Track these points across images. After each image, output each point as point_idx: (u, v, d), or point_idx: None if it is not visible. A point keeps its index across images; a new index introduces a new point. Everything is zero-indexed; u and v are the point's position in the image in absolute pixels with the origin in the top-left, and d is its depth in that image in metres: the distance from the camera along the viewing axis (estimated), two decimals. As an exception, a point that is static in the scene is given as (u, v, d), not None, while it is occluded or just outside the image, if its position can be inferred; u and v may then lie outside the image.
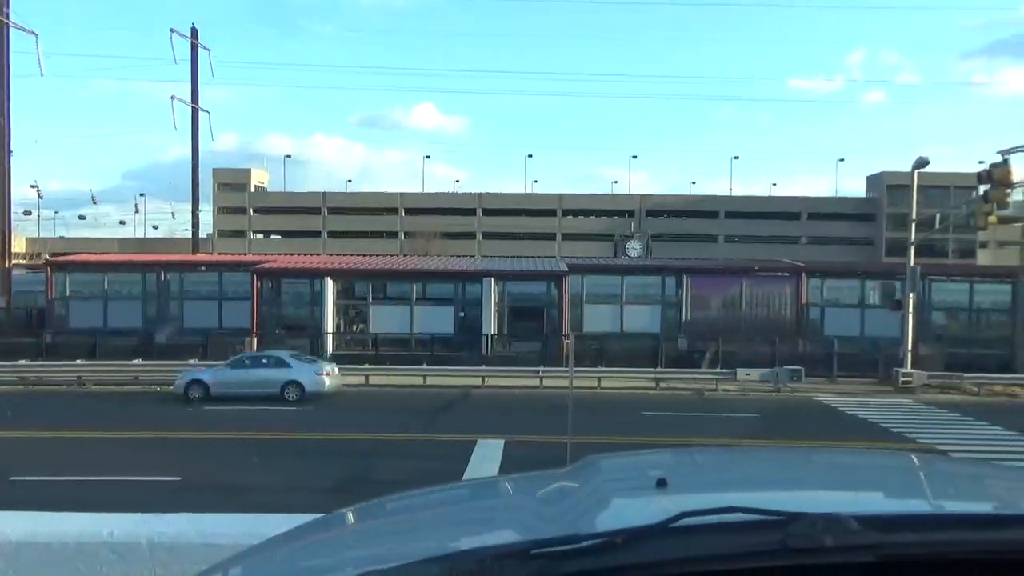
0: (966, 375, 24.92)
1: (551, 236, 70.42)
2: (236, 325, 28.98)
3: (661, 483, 1.61)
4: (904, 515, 1.29)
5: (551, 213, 72.17)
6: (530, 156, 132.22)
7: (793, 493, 1.70)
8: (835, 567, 1.09)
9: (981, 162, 23.89)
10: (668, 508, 1.22)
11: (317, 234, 72.35)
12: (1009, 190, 24.39)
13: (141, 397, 22.67)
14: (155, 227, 79.01)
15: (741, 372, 24.29)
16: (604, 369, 25.09)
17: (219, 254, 53.76)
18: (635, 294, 30.28)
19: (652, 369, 25.45)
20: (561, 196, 73.52)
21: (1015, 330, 28.12)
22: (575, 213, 73.32)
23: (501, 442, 15.46)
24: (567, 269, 29.64)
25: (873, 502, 1.61)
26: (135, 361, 25.56)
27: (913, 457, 2.01)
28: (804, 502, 1.19)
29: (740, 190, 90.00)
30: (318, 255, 48.94)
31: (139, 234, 77.08)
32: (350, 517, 1.89)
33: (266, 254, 42.56)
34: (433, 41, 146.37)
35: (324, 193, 74.89)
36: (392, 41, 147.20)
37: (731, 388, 24.17)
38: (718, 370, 24.89)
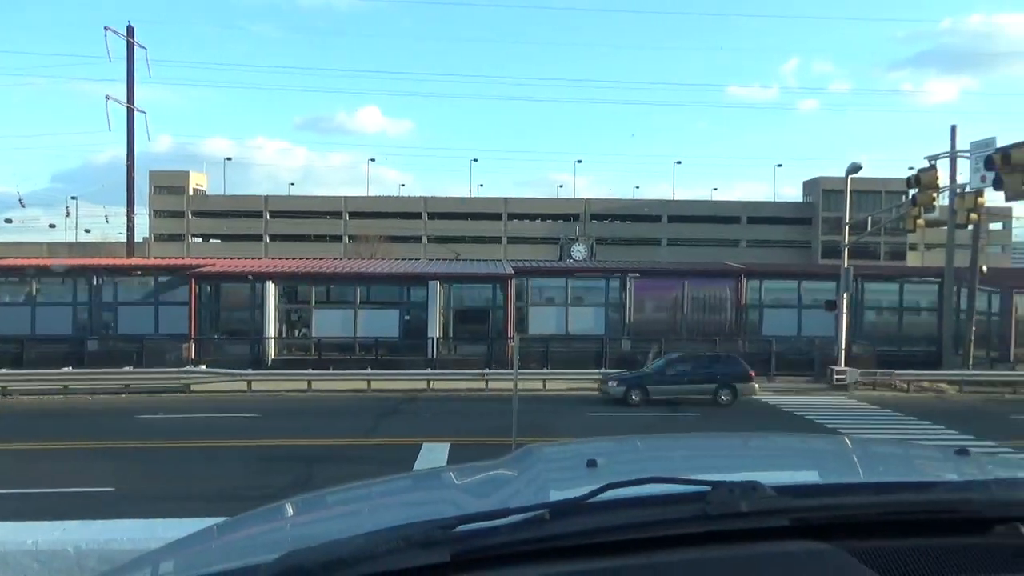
0: (896, 372, 25.88)
1: (497, 239, 70.58)
2: (173, 331, 28.20)
3: (591, 463, 1.63)
4: (814, 484, 1.34)
5: (497, 217, 72.34)
6: (475, 160, 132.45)
7: (714, 468, 1.75)
8: (752, 532, 1.12)
9: (910, 168, 24.89)
10: (596, 484, 1.24)
11: (259, 238, 70.97)
12: (936, 194, 25.47)
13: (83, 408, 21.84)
14: (87, 231, 76.23)
15: (683, 372, 24.68)
16: (549, 371, 25.26)
17: (155, 258, 52.22)
18: (580, 296, 30.57)
19: (597, 370, 25.68)
20: (507, 200, 73.78)
21: (941, 328, 29.33)
22: (520, 217, 73.64)
23: (447, 445, 15.45)
24: (513, 272, 29.72)
25: (787, 474, 1.68)
26: (65, 369, 24.61)
27: (823, 438, 2.11)
28: (723, 475, 1.23)
29: (682, 195, 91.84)
30: (259, 259, 48.00)
31: (70, 238, 74.25)
32: (287, 508, 1.87)
33: (205, 258, 41.48)
34: (376, 44, 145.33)
35: (266, 196, 73.53)
36: (334, 43, 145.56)
37: (674, 388, 24.55)
38: (661, 370, 25.23)
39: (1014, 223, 60.98)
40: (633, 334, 29.20)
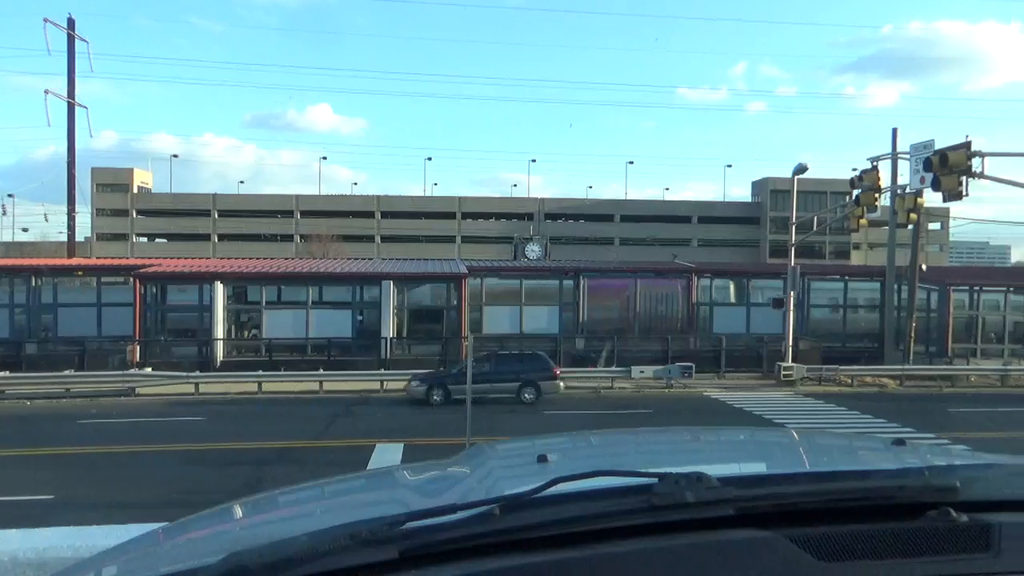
0: (841, 368, 26.59)
1: (451, 239, 70.43)
2: (117, 333, 27.40)
3: (542, 459, 1.64)
4: (757, 474, 1.37)
5: (451, 216, 72.16)
6: (429, 159, 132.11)
7: (662, 461, 1.78)
8: (698, 522, 1.14)
9: (854, 169, 25.58)
10: (545, 479, 1.24)
11: (206, 237, 69.49)
12: (878, 195, 26.27)
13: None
14: (24, 230, 73.65)
15: (636, 370, 25.01)
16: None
17: (98, 258, 50.65)
18: (534, 296, 30.67)
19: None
20: (460, 199, 73.65)
21: (883, 325, 30.26)
22: (474, 216, 73.60)
23: (400, 446, 15.34)
24: (467, 271, 29.67)
25: (733, 466, 1.72)
26: (2, 374, 23.70)
27: (769, 431, 2.18)
28: (671, 467, 1.25)
29: (635, 194, 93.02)
30: (207, 259, 46.96)
31: (7, 237, 71.63)
32: (235, 510, 1.83)
33: (150, 258, 40.42)
34: (327, 41, 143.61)
35: (214, 194, 72.02)
36: (283, 40, 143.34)
37: (626, 385, 24.85)
38: (614, 368, 25.53)
39: (951, 223, 63.19)
40: (587, 333, 29.44)
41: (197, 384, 23.62)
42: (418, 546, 1.12)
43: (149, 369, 24.62)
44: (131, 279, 28.00)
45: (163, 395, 23.05)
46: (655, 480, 1.19)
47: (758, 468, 1.74)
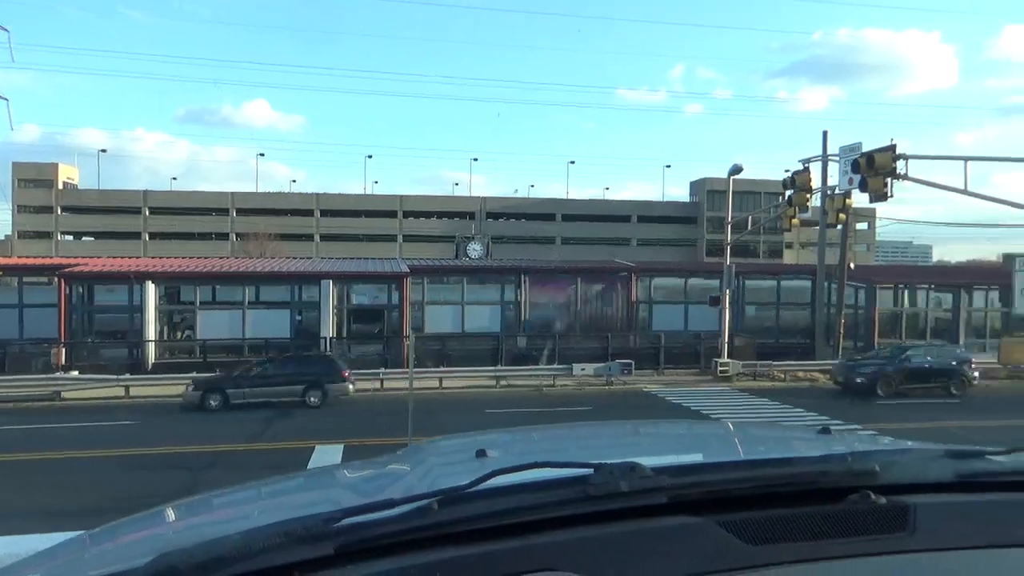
0: (774, 363, 27.40)
1: (392, 238, 69.82)
2: (41, 335, 26.26)
3: (481, 454, 1.65)
4: (689, 463, 1.42)
5: (392, 215, 71.53)
6: (370, 157, 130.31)
7: (600, 454, 1.81)
8: (632, 510, 1.17)
9: (787, 170, 26.36)
10: (484, 473, 1.25)
11: (137, 236, 67.25)
12: (809, 195, 27.13)
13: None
14: (-61, 227, 69.93)
15: (577, 367, 25.26)
16: (446, 369, 25.20)
17: (20, 257, 48.44)
18: (476, 295, 30.66)
19: (492, 367, 25.86)
20: (402, 198, 73.07)
21: (814, 322, 31.29)
22: (416, 215, 73.13)
23: (340, 447, 15.15)
24: (408, 270, 29.46)
25: (668, 457, 1.77)
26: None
27: (704, 424, 2.25)
28: (608, 459, 1.27)
29: (576, 194, 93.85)
30: (138, 258, 45.43)
31: (-81, 235, 67.92)
32: (167, 513, 1.78)
33: (77, 257, 38.82)
34: (263, 35, 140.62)
35: (145, 191, 69.72)
36: (218, 33, 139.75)
37: (568, 383, 25.06)
38: (555, 366, 25.73)
39: (877, 223, 65.75)
40: (529, 331, 29.59)
41: (127, 387, 22.83)
42: (355, 541, 1.11)
43: (76, 372, 23.67)
44: (56, 279, 26.86)
45: (91, 399, 22.20)
46: (591, 471, 1.21)
47: (691, 458, 1.80)
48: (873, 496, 1.25)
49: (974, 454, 1.50)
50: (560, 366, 25.65)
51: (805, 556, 1.15)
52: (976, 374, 24.01)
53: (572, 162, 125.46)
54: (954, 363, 23.97)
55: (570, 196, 79.57)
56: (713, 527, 1.16)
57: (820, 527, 1.20)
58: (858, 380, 23.29)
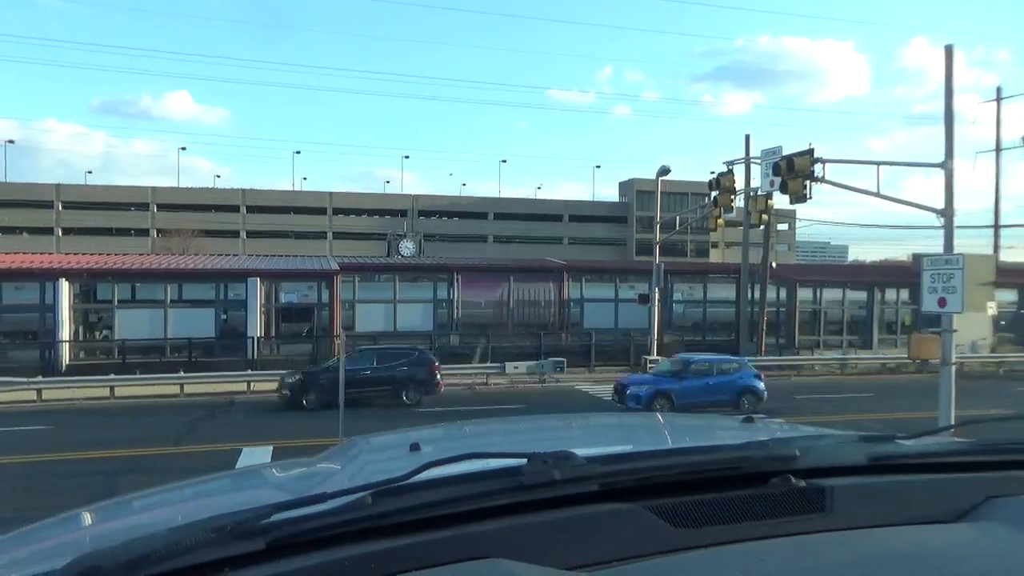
0: (701, 360, 28.07)
1: (322, 235, 68.60)
2: (-57, 336, 24.81)
3: (415, 447, 1.65)
4: (620, 452, 1.46)
5: (321, 212, 70.26)
6: (298, 152, 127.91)
7: (534, 445, 1.84)
8: (565, 498, 1.19)
9: (712, 172, 27.07)
10: (417, 465, 1.25)
11: (49, 231, 64.07)
12: (733, 196, 27.94)
13: None
14: None
15: (510, 366, 25.38)
16: (377, 368, 24.90)
17: (-81, 253, 45.46)
18: (408, 293, 30.44)
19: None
20: (331, 194, 71.85)
21: (738, 319, 32.27)
22: (347, 212, 72.03)
23: (269, 448, 14.82)
24: (338, 268, 29.01)
25: (598, 447, 1.81)
26: None
27: (636, 415, 2.31)
28: (539, 449, 1.29)
29: (508, 193, 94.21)
30: (50, 254, 43.25)
31: None
32: (87, 516, 1.72)
33: (-17, 253, 36.69)
34: (187, 25, 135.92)
35: (58, 185, 66.50)
36: (134, 21, 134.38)
37: (500, 381, 25.15)
38: (488, 364, 25.79)
39: (797, 224, 68.22)
40: (461, 329, 29.54)
41: (39, 390, 21.79)
42: (286, 536, 1.10)
43: (-19, 375, 22.41)
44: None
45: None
46: (524, 461, 1.23)
47: (622, 448, 1.84)
48: (793, 479, 1.31)
49: (885, 438, 1.59)
50: (493, 364, 25.73)
51: (730, 538, 1.20)
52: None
53: (504, 161, 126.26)
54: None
55: (502, 195, 79.86)
56: (643, 512, 1.20)
57: (744, 510, 1.25)
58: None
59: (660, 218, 31.00)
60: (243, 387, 23.25)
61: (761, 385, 20.18)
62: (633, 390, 19.60)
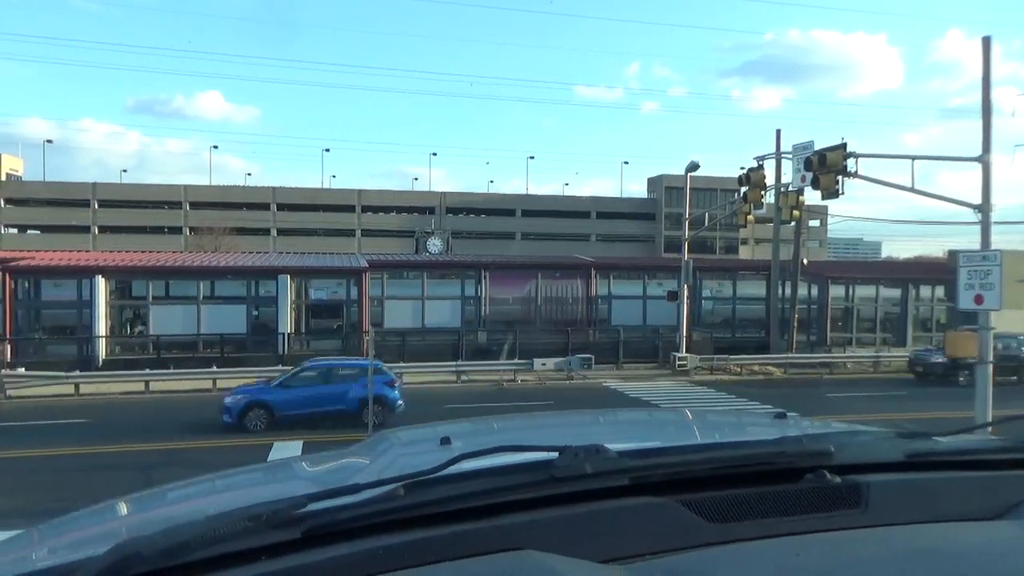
0: (731, 357, 27.88)
1: (351, 232, 69.08)
2: (-16, 331, 25.44)
3: (446, 441, 1.66)
4: (651, 447, 1.45)
5: (350, 209, 70.75)
6: (327, 150, 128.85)
7: (563, 439, 1.84)
8: (596, 492, 1.19)
9: (742, 168, 26.82)
10: (449, 458, 1.26)
11: (86, 229, 65.34)
12: (763, 192, 27.62)
13: None
14: None
15: (537, 362, 25.37)
16: (406, 364, 25.06)
17: (-39, 251, 46.68)
18: (436, 290, 30.56)
19: (453, 363, 25.82)
20: (360, 192, 72.32)
21: (769, 317, 31.90)
22: (375, 209, 72.44)
23: (299, 443, 14.99)
24: (367, 265, 29.21)
25: (628, 442, 1.81)
26: None
27: (665, 411, 2.30)
28: (570, 443, 1.30)
29: (535, 190, 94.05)
30: (87, 251, 44.18)
31: None
32: (124, 505, 1.76)
33: (21, 250, 37.56)
34: (215, 25, 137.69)
35: (94, 183, 67.75)
36: (168, 23, 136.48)
37: (528, 378, 25.15)
38: (516, 361, 25.80)
39: (829, 220, 67.28)
40: (489, 326, 29.59)
41: (77, 385, 22.25)
42: (321, 526, 1.12)
43: (22, 369, 22.96)
44: (0, 273, 25.99)
45: (39, 397, 21.58)
46: (555, 454, 1.24)
47: (653, 443, 1.84)
48: (828, 475, 1.30)
49: (921, 435, 1.57)
50: (521, 361, 25.73)
51: (764, 533, 1.19)
52: None
53: (532, 157, 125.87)
54: None
55: (530, 192, 79.74)
56: (675, 506, 1.19)
57: (779, 505, 1.24)
58: None
59: (689, 214, 30.74)
60: (274, 382, 23.49)
61: (395, 394, 17.56)
62: (228, 401, 17.17)
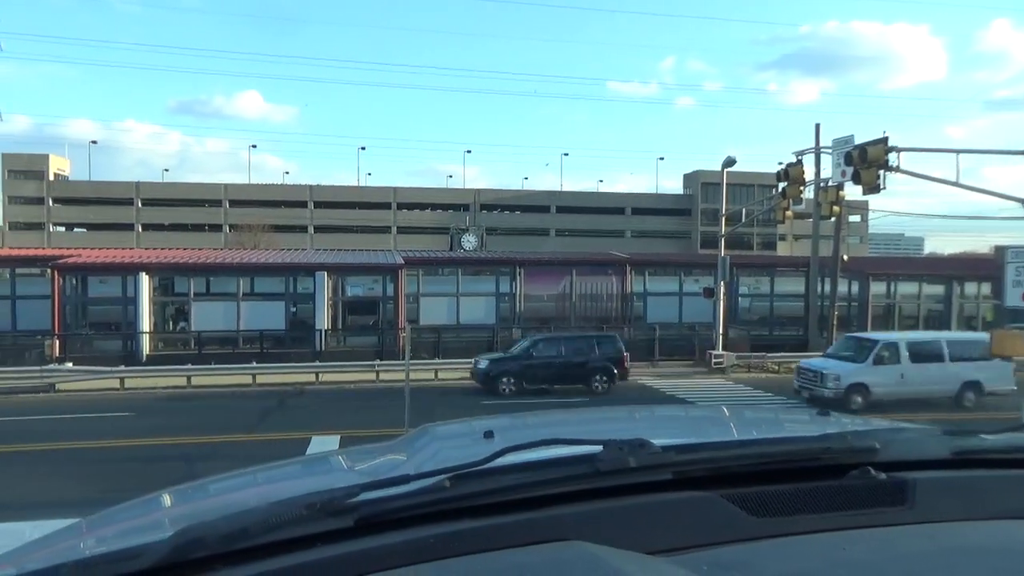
0: (768, 355, 27.50)
1: (386, 229, 69.71)
2: (34, 327, 26.23)
3: (488, 435, 1.69)
4: (695, 442, 1.47)
5: (385, 206, 71.39)
6: (363, 148, 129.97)
7: (605, 433, 1.86)
8: (640, 486, 1.21)
9: (780, 163, 26.45)
10: (493, 451, 1.29)
11: (129, 227, 66.96)
12: (802, 187, 27.20)
13: None
14: (-71, 219, 69.43)
15: (572, 359, 25.27)
16: (441, 361, 25.23)
17: (11, 248, 48.21)
18: (471, 286, 30.68)
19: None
20: (395, 189, 72.93)
21: (808, 313, 31.42)
22: (410, 207, 72.97)
23: (337, 438, 15.18)
24: (403, 262, 29.46)
25: (670, 437, 1.82)
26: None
27: (704, 408, 2.30)
28: (611, 437, 1.31)
29: (569, 186, 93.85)
30: (131, 249, 45.26)
31: (-91, 227, 67.41)
32: (174, 495, 1.81)
33: (69, 248, 38.63)
34: (254, 26, 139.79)
35: (137, 183, 69.39)
36: (208, 24, 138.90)
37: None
38: (551, 358, 25.73)
39: (870, 216, 65.95)
40: (523, 323, 29.63)
41: (122, 379, 22.84)
42: (373, 514, 1.15)
43: (70, 364, 23.63)
44: (49, 270, 26.77)
45: (86, 391, 22.19)
46: (599, 448, 1.26)
47: (694, 438, 1.85)
48: (873, 472, 1.30)
49: (967, 433, 1.55)
50: (555, 357, 25.66)
51: (809, 528, 1.19)
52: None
53: (566, 154, 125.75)
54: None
55: (564, 188, 79.57)
56: (720, 501, 1.21)
57: (823, 501, 1.25)
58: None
59: (726, 210, 30.40)
60: (312, 378, 23.86)
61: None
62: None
